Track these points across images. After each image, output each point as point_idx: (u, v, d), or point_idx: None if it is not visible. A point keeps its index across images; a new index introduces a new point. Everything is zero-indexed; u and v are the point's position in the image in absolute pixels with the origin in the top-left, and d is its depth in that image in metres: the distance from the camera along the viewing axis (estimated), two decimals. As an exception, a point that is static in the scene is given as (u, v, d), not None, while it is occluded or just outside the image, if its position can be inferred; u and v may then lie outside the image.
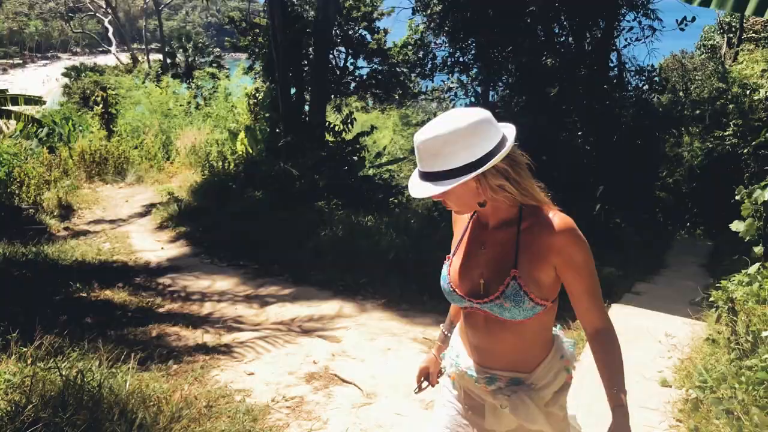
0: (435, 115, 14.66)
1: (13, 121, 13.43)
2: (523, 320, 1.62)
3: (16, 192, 9.40)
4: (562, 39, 10.61)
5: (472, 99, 11.64)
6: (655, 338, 4.54)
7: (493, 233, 1.69)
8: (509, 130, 1.60)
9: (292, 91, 12.21)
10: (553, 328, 1.75)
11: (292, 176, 10.28)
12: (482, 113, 1.56)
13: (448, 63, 12.06)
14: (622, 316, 5.15)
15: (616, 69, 10.71)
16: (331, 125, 11.46)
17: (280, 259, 6.83)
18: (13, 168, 9.94)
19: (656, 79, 11.02)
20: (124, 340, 4.54)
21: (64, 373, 3.26)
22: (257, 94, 14.24)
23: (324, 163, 10.49)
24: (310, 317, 5.34)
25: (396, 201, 10.40)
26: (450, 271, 1.78)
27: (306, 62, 13.38)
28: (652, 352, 4.32)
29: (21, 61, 75.73)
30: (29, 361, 3.38)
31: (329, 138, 11.37)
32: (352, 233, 7.23)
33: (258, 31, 16.48)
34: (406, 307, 5.59)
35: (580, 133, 9.40)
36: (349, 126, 11.50)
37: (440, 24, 11.81)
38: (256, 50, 16.76)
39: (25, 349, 3.49)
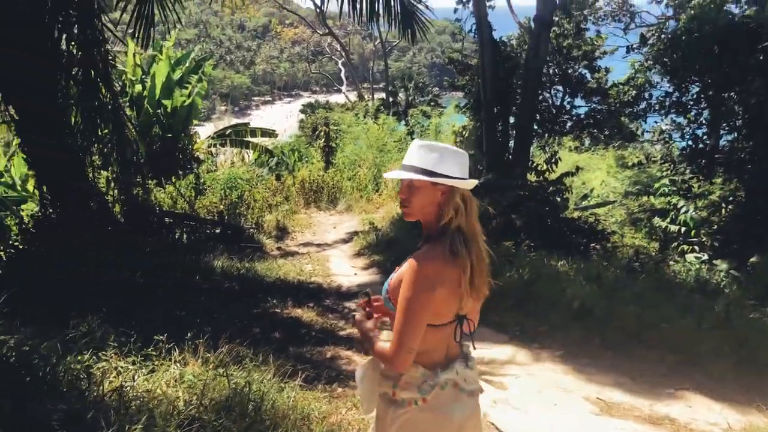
0: (647, 158, 13.63)
1: (251, 151, 15.35)
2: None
3: (243, 213, 10.64)
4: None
5: (689, 143, 10.57)
6: None
7: None
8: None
9: (499, 129, 12.25)
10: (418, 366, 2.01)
11: (488, 214, 10.24)
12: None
13: (666, 103, 11.10)
14: None
15: None
16: (535, 164, 11.22)
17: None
18: (244, 192, 11.29)
19: None
20: (301, 357, 4.86)
21: (235, 381, 3.59)
22: (464, 132, 14.48)
23: (524, 203, 10.29)
24: (480, 359, 5.20)
25: (598, 247, 9.82)
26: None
27: (518, 100, 13.33)
28: None
29: (270, 99, 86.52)
30: (210, 366, 3.77)
31: (531, 178, 11.14)
32: (538, 276, 6.94)
33: (472, 71, 16.87)
34: (586, 362, 5.19)
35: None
36: (553, 166, 11.16)
37: (660, 63, 10.98)
38: (472, 89, 17.16)
39: (209, 355, 3.90)
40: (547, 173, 10.81)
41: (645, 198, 11.46)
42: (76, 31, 7.67)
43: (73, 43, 7.68)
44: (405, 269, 1.98)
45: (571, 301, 6.08)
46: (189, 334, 3.96)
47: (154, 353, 3.70)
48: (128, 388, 3.20)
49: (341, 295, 7.22)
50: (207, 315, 5.51)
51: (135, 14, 7.50)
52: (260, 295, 6.60)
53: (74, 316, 4.56)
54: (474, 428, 2.14)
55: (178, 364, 3.70)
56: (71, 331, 4.11)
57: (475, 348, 2.27)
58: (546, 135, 23.87)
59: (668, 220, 8.89)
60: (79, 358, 3.35)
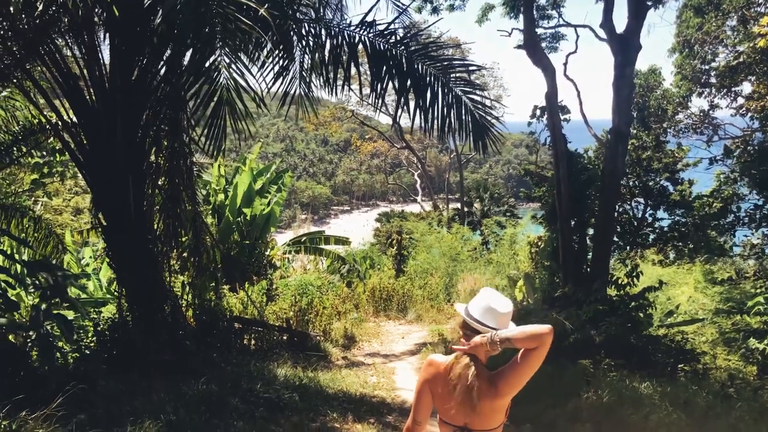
0: (738, 273, 12.76)
1: (324, 258, 15.58)
2: None
3: (312, 320, 10.59)
4: None
5: (785, 258, 9.85)
6: None
7: None
8: None
9: (576, 241, 11.94)
10: None
11: (565, 329, 9.74)
12: None
13: (756, 216, 10.51)
14: None
15: None
16: (615, 278, 10.73)
17: (534, 418, 6.31)
18: (314, 298, 11.30)
19: None
20: (356, 479, 4.56)
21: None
22: (539, 243, 14.20)
23: (603, 318, 9.77)
24: (553, 492, 4.72)
25: (687, 369, 9.05)
26: None
27: (596, 212, 13.04)
28: None
29: (348, 208, 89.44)
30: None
31: (611, 292, 10.63)
32: (620, 400, 6.39)
33: (549, 182, 16.79)
34: (675, 503, 4.60)
35: None
36: (635, 279, 10.62)
37: (747, 174, 10.53)
38: (548, 200, 17.02)
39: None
40: (629, 287, 10.28)
41: (739, 316, 10.63)
42: (165, 143, 8.21)
43: (161, 155, 8.20)
44: None
45: (656, 429, 5.51)
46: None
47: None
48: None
49: (405, 411, 6.86)
50: (264, 428, 5.34)
51: (208, 125, 7.92)
52: (321, 407, 6.37)
53: (132, 421, 4.53)
54: None
55: (224, 481, 3.52)
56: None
57: None
58: (627, 248, 23.11)
59: (766, 341, 8.12)
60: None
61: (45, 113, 8.44)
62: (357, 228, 58.06)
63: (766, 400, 6.78)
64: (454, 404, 2.52)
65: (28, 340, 5.60)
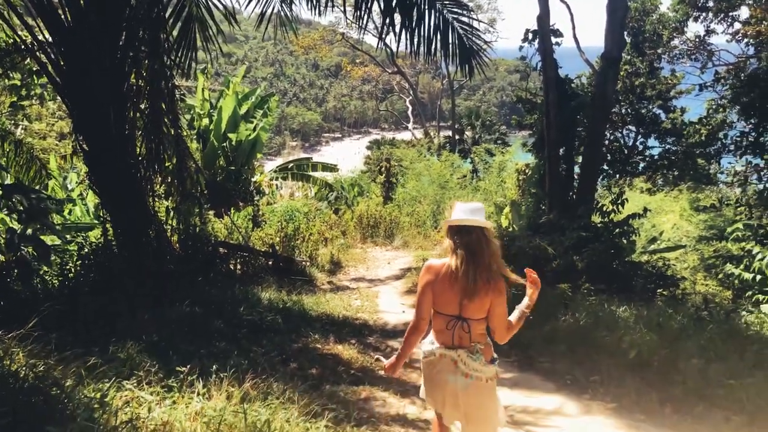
0: (720, 201, 12.86)
1: (312, 185, 15.53)
2: None
3: (298, 245, 10.66)
4: None
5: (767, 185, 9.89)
6: None
7: None
8: None
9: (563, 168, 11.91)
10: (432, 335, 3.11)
11: (548, 254, 9.85)
12: None
13: (742, 144, 10.48)
14: None
15: None
16: (599, 204, 10.78)
17: (511, 340, 6.44)
18: (300, 225, 11.35)
19: None
20: (333, 396, 4.69)
21: (257, 419, 3.47)
22: (527, 170, 14.19)
23: (586, 244, 9.87)
24: (525, 408, 4.89)
25: (665, 293, 9.25)
26: None
27: (585, 138, 12.96)
28: None
29: (340, 135, 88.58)
30: (234, 402, 3.66)
31: (596, 219, 10.70)
32: (596, 323, 6.54)
33: (540, 109, 16.60)
34: (641, 418, 4.77)
35: None
36: (619, 206, 10.69)
37: (738, 102, 10.42)
38: (539, 127, 16.88)
39: (233, 389, 3.80)
40: (613, 214, 10.34)
41: (720, 243, 10.79)
42: (145, 64, 7.96)
43: (142, 77, 7.97)
44: None
45: (627, 350, 5.66)
46: (215, 367, 3.88)
47: (175, 384, 3.64)
48: (144, 420, 3.13)
49: (386, 332, 7.03)
50: (246, 348, 5.45)
51: (177, 43, 7.64)
52: (303, 329, 6.51)
53: (114, 342, 4.60)
54: (472, 406, 2.94)
55: (201, 397, 3.62)
56: (108, 355, 4.14)
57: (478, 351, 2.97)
58: (617, 176, 23.10)
59: (742, 267, 8.26)
60: (100, 386, 3.32)
61: (19, 33, 8.13)
62: (349, 156, 57.69)
63: (737, 322, 6.97)
64: (454, 298, 2.93)
65: (11, 263, 5.61)
